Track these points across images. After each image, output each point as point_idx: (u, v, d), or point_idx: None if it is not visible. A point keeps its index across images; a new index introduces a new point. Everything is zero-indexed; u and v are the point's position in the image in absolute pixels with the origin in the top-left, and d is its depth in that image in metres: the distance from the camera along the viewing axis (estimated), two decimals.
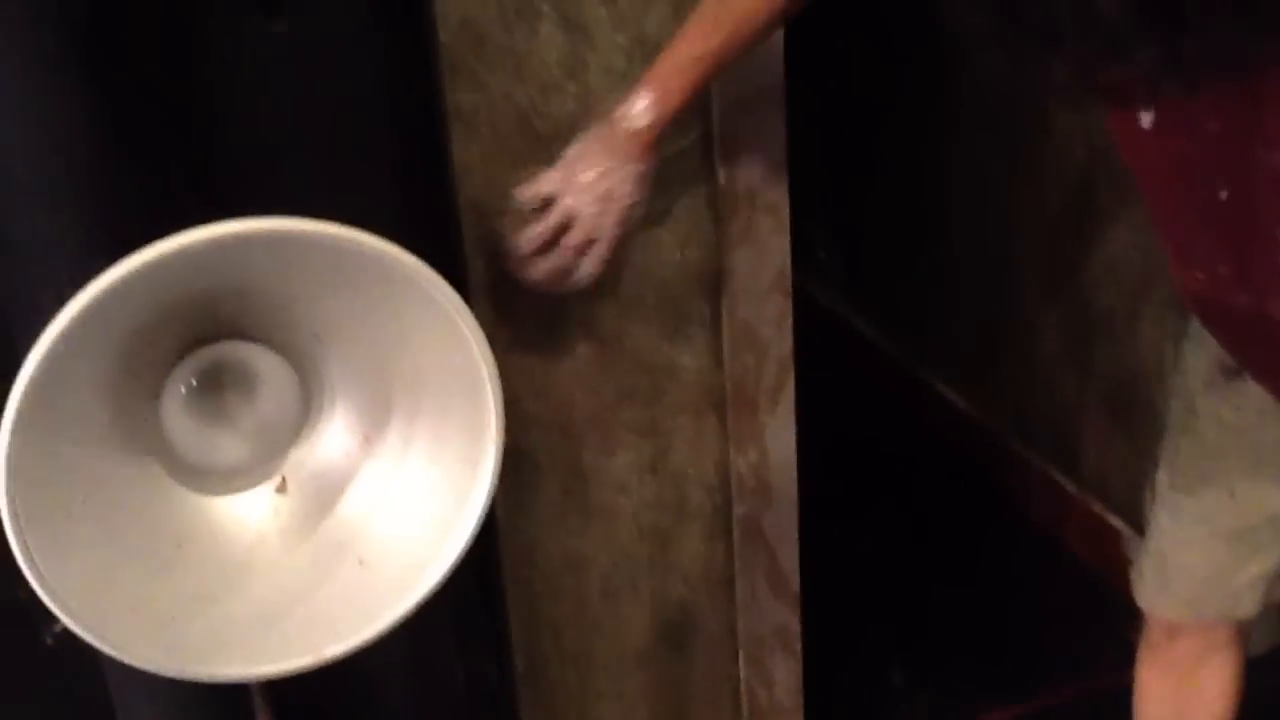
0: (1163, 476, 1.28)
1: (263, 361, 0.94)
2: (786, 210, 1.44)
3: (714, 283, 1.44)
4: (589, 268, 1.25)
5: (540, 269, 1.26)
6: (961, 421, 1.99)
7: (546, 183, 1.25)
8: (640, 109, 1.21)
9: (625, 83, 1.36)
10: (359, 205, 1.25)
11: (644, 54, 1.34)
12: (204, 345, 0.93)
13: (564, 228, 1.24)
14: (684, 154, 1.39)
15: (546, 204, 1.25)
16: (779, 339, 1.47)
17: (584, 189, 1.23)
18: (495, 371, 0.92)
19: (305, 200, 1.23)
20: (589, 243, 1.24)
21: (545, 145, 1.39)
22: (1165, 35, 0.76)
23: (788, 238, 1.45)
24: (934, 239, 2.08)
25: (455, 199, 1.39)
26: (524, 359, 1.42)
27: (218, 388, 0.94)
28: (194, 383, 0.92)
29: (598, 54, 1.33)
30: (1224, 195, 0.97)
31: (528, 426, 1.43)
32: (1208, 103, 0.91)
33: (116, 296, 0.81)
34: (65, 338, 0.80)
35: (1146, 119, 0.97)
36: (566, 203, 1.23)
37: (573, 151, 1.25)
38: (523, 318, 1.41)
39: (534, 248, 1.25)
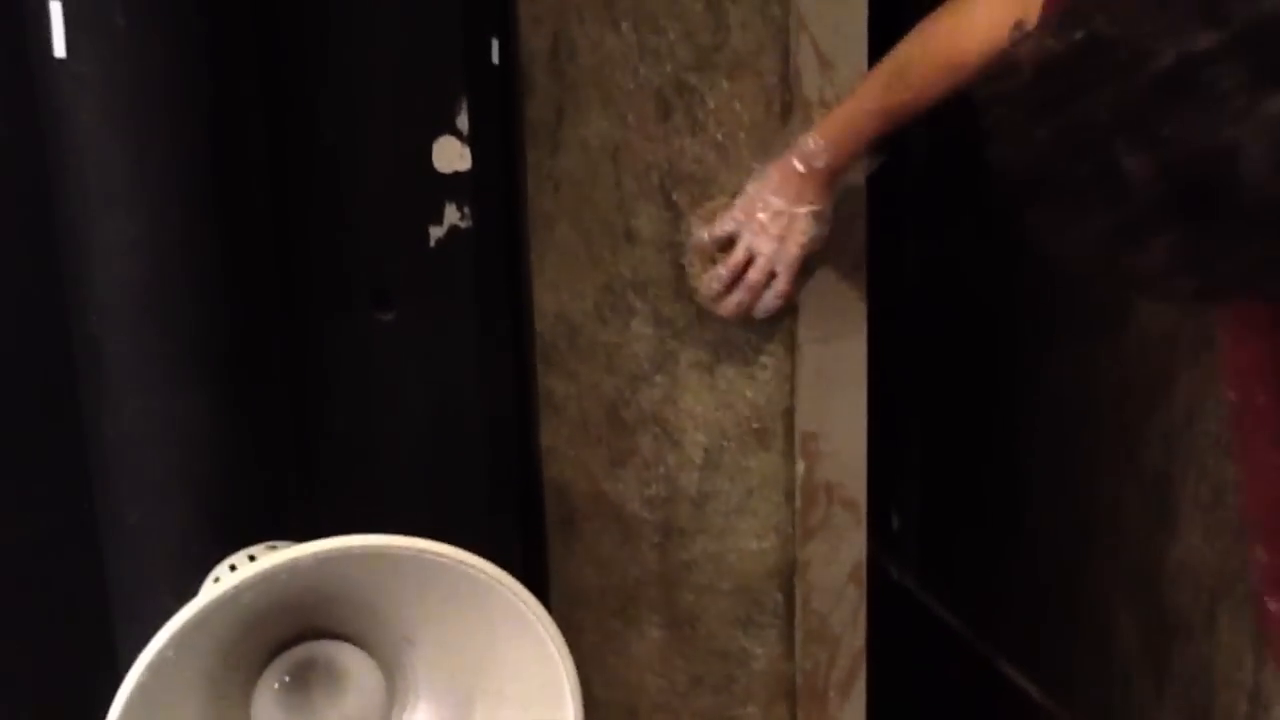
0: None
1: (351, 660, 0.97)
2: (864, 505, 1.46)
3: (789, 573, 1.45)
4: (771, 301, 1.32)
5: (726, 305, 1.33)
6: (1038, 716, 1.96)
7: (726, 222, 1.31)
8: (815, 152, 1.26)
9: (711, 376, 1.42)
10: (450, 491, 1.32)
11: (729, 351, 1.40)
12: (297, 643, 0.96)
13: (746, 264, 1.30)
14: (764, 443, 1.43)
15: (727, 242, 1.31)
16: (852, 632, 1.47)
17: (762, 228, 1.29)
18: (577, 682, 0.94)
19: (399, 485, 1.29)
20: (771, 275, 1.30)
21: (630, 433, 1.45)
22: (1189, 224, 0.67)
23: (864, 532, 1.47)
24: (1009, 525, 2.09)
25: (540, 481, 1.43)
26: (596, 642, 1.44)
27: (307, 684, 0.96)
28: (286, 679, 0.95)
29: (686, 349, 1.39)
30: None
31: (596, 710, 1.43)
32: None
33: (222, 606, 0.85)
34: (173, 643, 0.83)
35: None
36: (747, 241, 1.29)
37: (751, 189, 1.30)
38: (598, 601, 1.43)
39: (721, 288, 1.32)
